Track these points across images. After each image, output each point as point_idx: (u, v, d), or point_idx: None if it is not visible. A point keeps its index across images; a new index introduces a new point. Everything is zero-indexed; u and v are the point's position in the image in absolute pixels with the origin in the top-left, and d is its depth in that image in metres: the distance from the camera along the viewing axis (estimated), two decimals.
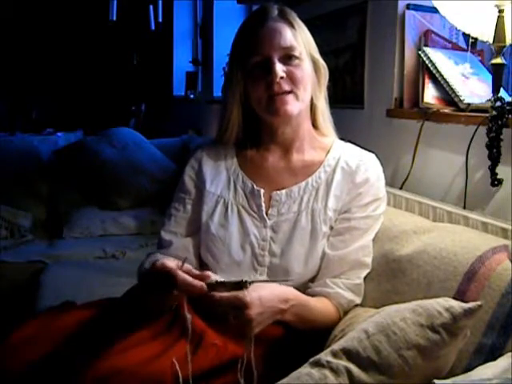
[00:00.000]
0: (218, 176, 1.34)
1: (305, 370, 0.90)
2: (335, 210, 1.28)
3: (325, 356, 0.91)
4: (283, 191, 1.30)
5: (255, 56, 1.24)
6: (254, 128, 1.34)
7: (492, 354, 0.96)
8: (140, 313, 1.15)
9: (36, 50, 5.80)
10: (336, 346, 0.92)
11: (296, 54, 1.24)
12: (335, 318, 1.22)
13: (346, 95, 2.14)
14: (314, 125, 1.35)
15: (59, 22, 5.74)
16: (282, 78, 1.22)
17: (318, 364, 0.90)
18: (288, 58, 1.24)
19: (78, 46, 5.86)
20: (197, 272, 1.05)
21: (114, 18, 4.65)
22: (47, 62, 5.85)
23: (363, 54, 2.02)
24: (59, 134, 3.93)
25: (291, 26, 1.26)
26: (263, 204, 1.29)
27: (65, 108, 5.87)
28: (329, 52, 2.15)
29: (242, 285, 1.02)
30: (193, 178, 1.36)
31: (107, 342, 1.08)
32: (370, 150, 1.35)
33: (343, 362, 0.89)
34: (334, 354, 0.90)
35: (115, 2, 4.61)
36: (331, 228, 1.28)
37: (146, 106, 5.54)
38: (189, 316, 1.09)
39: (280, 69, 1.22)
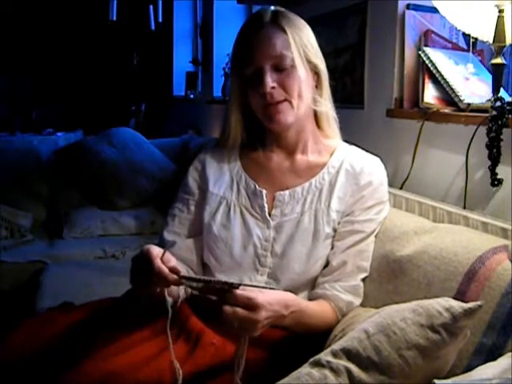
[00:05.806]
0: (221, 177, 1.34)
1: (305, 370, 0.90)
2: (338, 212, 1.27)
3: (325, 356, 0.91)
4: (286, 192, 1.29)
5: (248, 66, 1.24)
6: (258, 130, 1.34)
7: (492, 354, 0.96)
8: (136, 310, 1.15)
9: (35, 50, 5.80)
10: (336, 346, 0.92)
11: (287, 62, 1.22)
12: (332, 322, 1.21)
13: (346, 95, 2.13)
14: (319, 127, 1.35)
15: (59, 22, 5.74)
16: (273, 88, 1.22)
17: (318, 364, 0.90)
18: (279, 66, 1.22)
19: (77, 46, 5.87)
20: (172, 264, 1.04)
21: (114, 18, 4.65)
22: (47, 62, 5.85)
23: (363, 53, 2.02)
24: (59, 134, 3.93)
25: (283, 31, 1.23)
26: (266, 205, 1.29)
27: (65, 108, 5.87)
28: (329, 52, 2.15)
29: (231, 287, 1.00)
30: (196, 180, 1.36)
31: (105, 342, 1.08)
32: (371, 152, 1.35)
33: (343, 362, 0.88)
34: (334, 354, 0.90)
35: (115, 2, 4.62)
36: (334, 230, 1.27)
37: (146, 106, 5.54)
38: (169, 299, 1.09)
39: (270, 79, 1.21)
